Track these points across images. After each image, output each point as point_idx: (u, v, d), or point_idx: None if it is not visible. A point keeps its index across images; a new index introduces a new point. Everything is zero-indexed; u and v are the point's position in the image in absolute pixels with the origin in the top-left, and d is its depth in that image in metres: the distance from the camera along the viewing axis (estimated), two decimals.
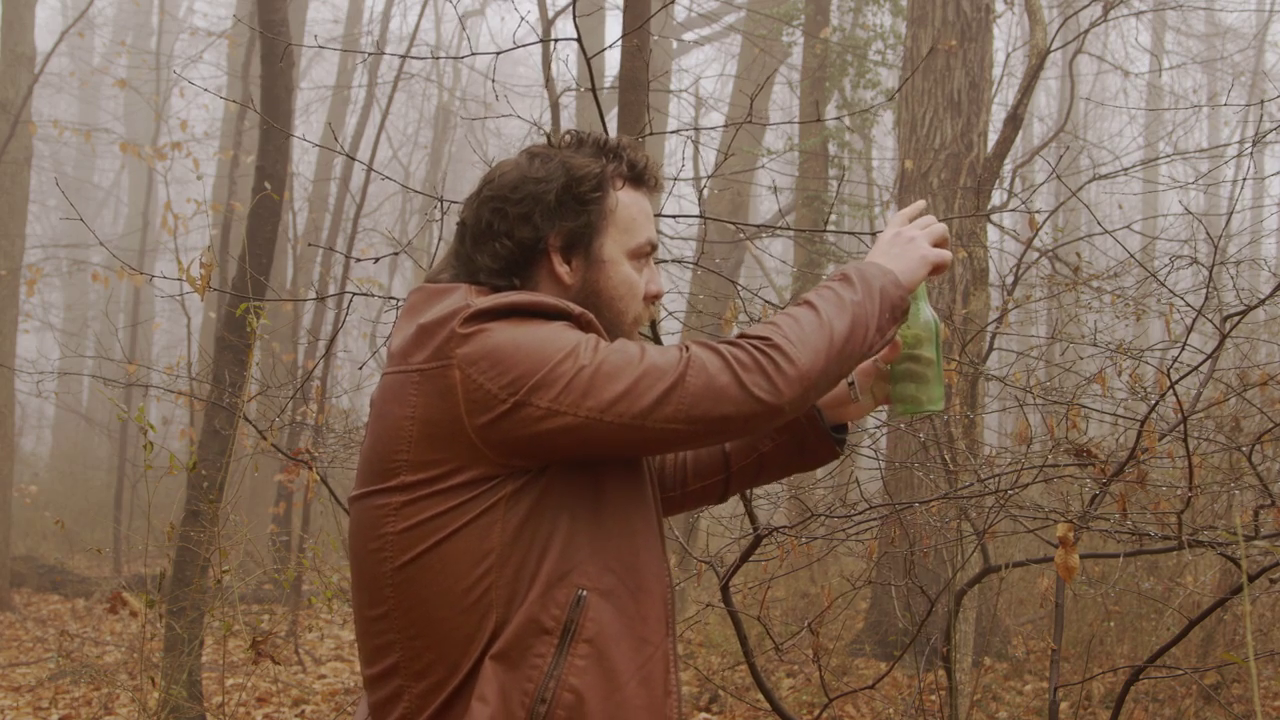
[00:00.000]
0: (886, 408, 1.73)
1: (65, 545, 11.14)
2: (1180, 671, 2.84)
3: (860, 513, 2.88)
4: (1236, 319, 2.46)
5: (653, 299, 1.54)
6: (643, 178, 1.54)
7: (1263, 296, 2.73)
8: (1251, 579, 2.42)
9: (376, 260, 3.12)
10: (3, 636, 7.68)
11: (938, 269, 1.52)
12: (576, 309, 1.40)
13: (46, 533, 11.32)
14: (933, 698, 4.18)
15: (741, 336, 1.38)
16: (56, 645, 6.89)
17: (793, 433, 1.66)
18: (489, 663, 1.30)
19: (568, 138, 1.54)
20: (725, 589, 2.69)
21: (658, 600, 1.41)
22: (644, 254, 1.52)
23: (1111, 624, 5.41)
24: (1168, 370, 2.31)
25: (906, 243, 1.52)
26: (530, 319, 1.36)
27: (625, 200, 1.52)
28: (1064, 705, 5.06)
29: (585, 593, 1.32)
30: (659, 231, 1.71)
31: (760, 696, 5.69)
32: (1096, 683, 5.03)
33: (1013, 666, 6.13)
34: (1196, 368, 2.66)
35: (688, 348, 1.37)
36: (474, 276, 1.47)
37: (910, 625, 5.53)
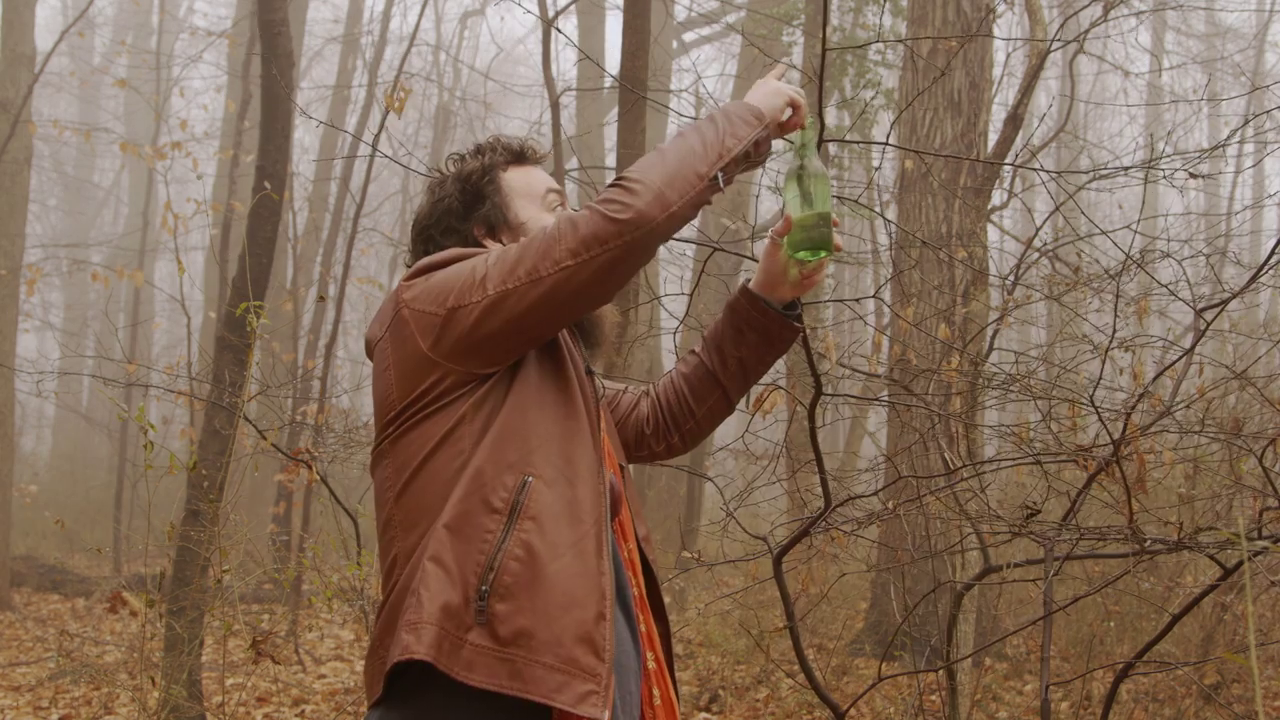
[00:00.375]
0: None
1: (65, 545, 11.14)
2: (1173, 665, 2.84)
3: (883, 488, 2.88)
4: (1215, 311, 2.46)
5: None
6: (523, 155, 1.88)
7: (1235, 290, 2.72)
8: (1228, 572, 2.42)
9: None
10: (3, 636, 7.68)
11: (793, 104, 1.76)
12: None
13: (46, 532, 11.32)
14: (933, 698, 4.18)
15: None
16: (56, 645, 6.89)
17: (755, 329, 1.88)
18: (441, 529, 1.56)
19: (451, 161, 1.90)
20: (778, 563, 2.71)
21: (590, 489, 1.63)
22: (553, 201, 1.85)
23: (1111, 624, 5.41)
24: (1163, 364, 2.31)
25: (764, 85, 1.79)
26: (448, 265, 1.70)
27: (514, 174, 1.85)
28: (1064, 705, 5.06)
29: (531, 479, 1.58)
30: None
31: (759, 696, 5.69)
32: (1097, 683, 5.03)
33: (1013, 666, 6.13)
34: (1175, 363, 2.66)
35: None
36: None
37: (911, 625, 5.53)
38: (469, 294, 1.60)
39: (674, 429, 1.96)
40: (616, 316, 1.89)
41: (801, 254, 1.73)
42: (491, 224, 1.82)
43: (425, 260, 1.72)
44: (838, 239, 1.72)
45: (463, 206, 1.82)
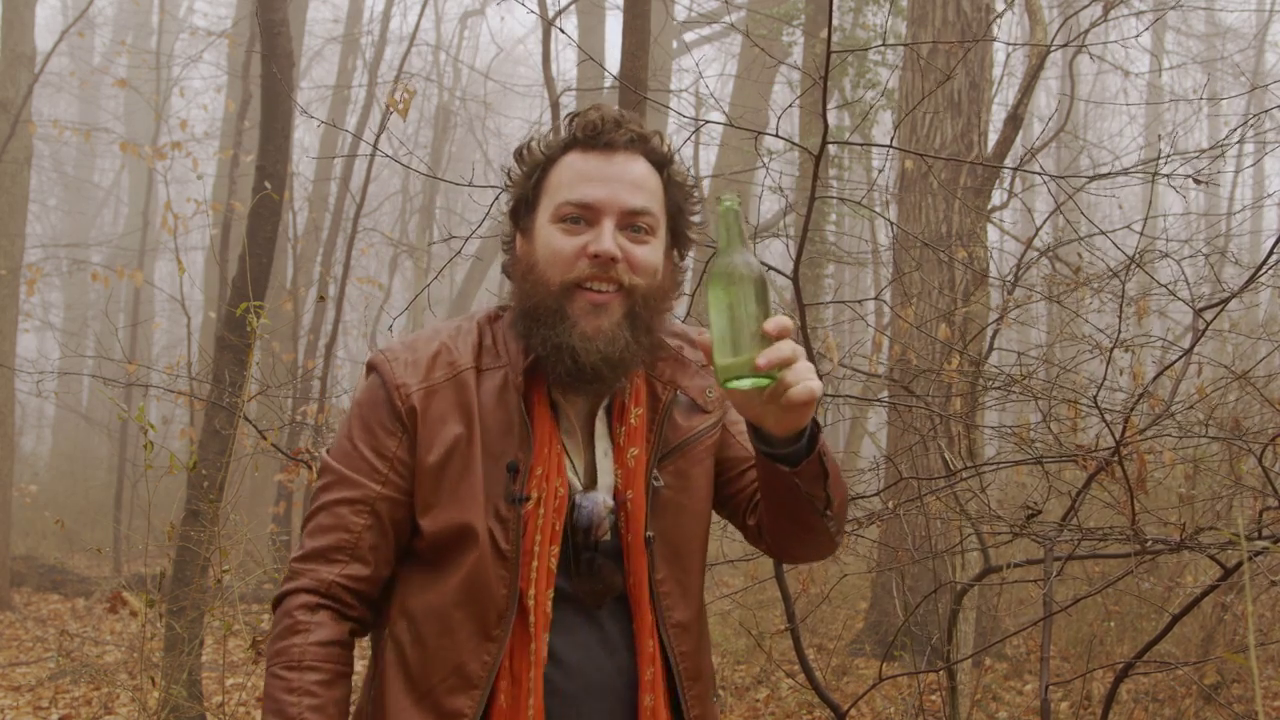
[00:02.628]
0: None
1: (65, 545, 11.13)
2: (1173, 665, 2.84)
3: (893, 484, 2.87)
4: (1215, 311, 2.46)
5: (591, 257, 1.45)
6: (589, 139, 1.51)
7: (1234, 290, 2.72)
8: (1228, 572, 2.42)
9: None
10: (3, 636, 7.68)
11: None
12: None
13: (46, 532, 11.31)
14: (933, 698, 4.17)
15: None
16: (56, 645, 6.89)
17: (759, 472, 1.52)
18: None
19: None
20: (779, 563, 2.68)
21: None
22: (565, 215, 1.48)
23: (1111, 624, 5.41)
24: (1163, 364, 2.31)
25: None
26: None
27: (562, 166, 1.52)
28: (1064, 705, 5.06)
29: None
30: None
31: (759, 696, 5.69)
32: (1097, 683, 5.03)
33: (1013, 666, 6.13)
34: (1174, 363, 2.66)
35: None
36: None
37: (911, 625, 5.53)
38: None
39: (756, 538, 1.65)
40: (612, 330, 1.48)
41: (730, 384, 1.34)
42: (517, 220, 1.57)
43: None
44: (766, 356, 1.30)
45: (513, 188, 1.57)
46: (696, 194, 1.61)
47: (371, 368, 1.57)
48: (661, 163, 1.53)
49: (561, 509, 1.49)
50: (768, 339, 1.32)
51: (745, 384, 1.33)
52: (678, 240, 1.59)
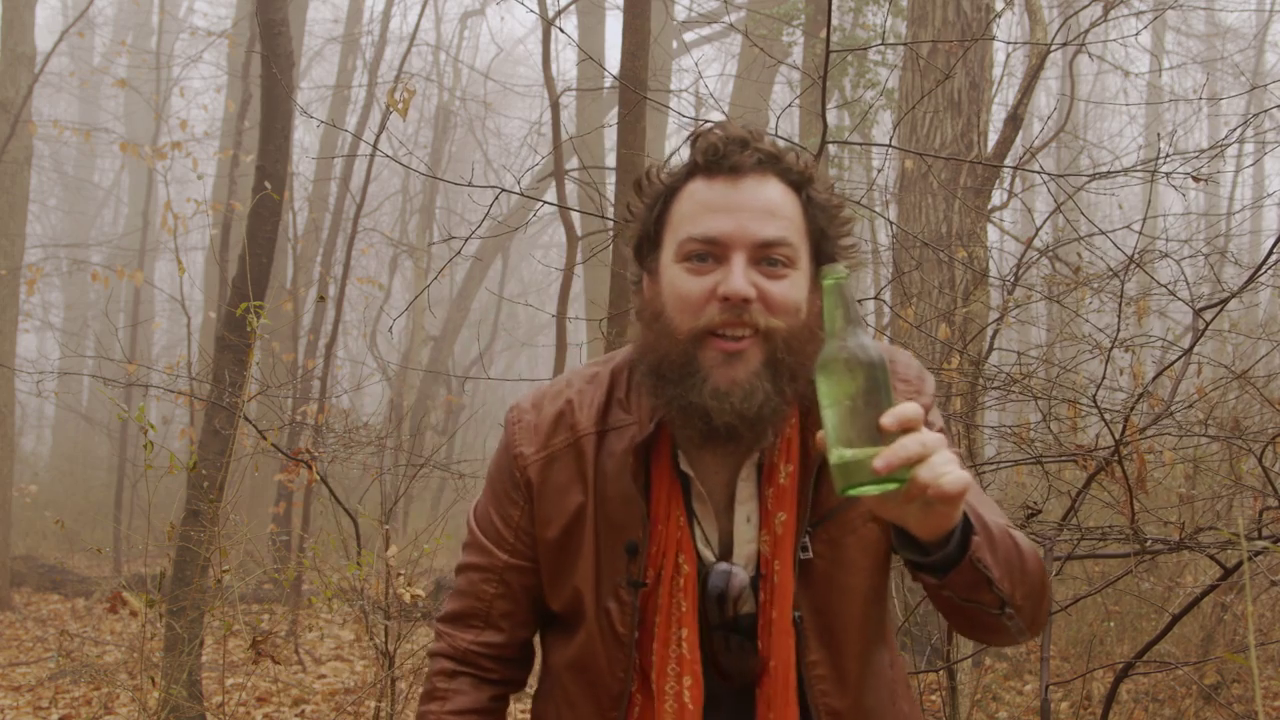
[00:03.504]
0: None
1: (65, 545, 11.13)
2: (1173, 665, 2.84)
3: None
4: (1215, 311, 2.46)
5: (721, 300, 1.30)
6: (711, 164, 1.34)
7: (1234, 290, 2.72)
8: (1228, 572, 2.42)
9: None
10: (3, 636, 7.68)
11: None
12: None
13: (46, 532, 11.32)
14: (933, 698, 4.17)
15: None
16: (56, 645, 6.89)
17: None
18: None
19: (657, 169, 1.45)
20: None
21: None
22: (689, 253, 1.32)
23: (1111, 624, 5.41)
24: (1163, 364, 2.31)
25: None
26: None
27: (685, 196, 1.36)
28: (1064, 705, 5.06)
29: None
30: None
31: None
32: (1097, 683, 5.03)
33: (1013, 666, 6.13)
34: (1174, 363, 2.66)
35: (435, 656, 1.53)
36: None
37: (911, 625, 5.53)
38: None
39: None
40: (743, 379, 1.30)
41: (851, 491, 1.14)
42: (641, 260, 1.42)
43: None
44: (885, 458, 1.10)
45: (636, 222, 1.42)
46: (844, 213, 1.42)
47: (505, 424, 1.51)
48: (799, 183, 1.36)
49: (690, 588, 1.36)
50: (888, 435, 1.11)
51: (868, 490, 1.13)
52: (819, 264, 1.40)
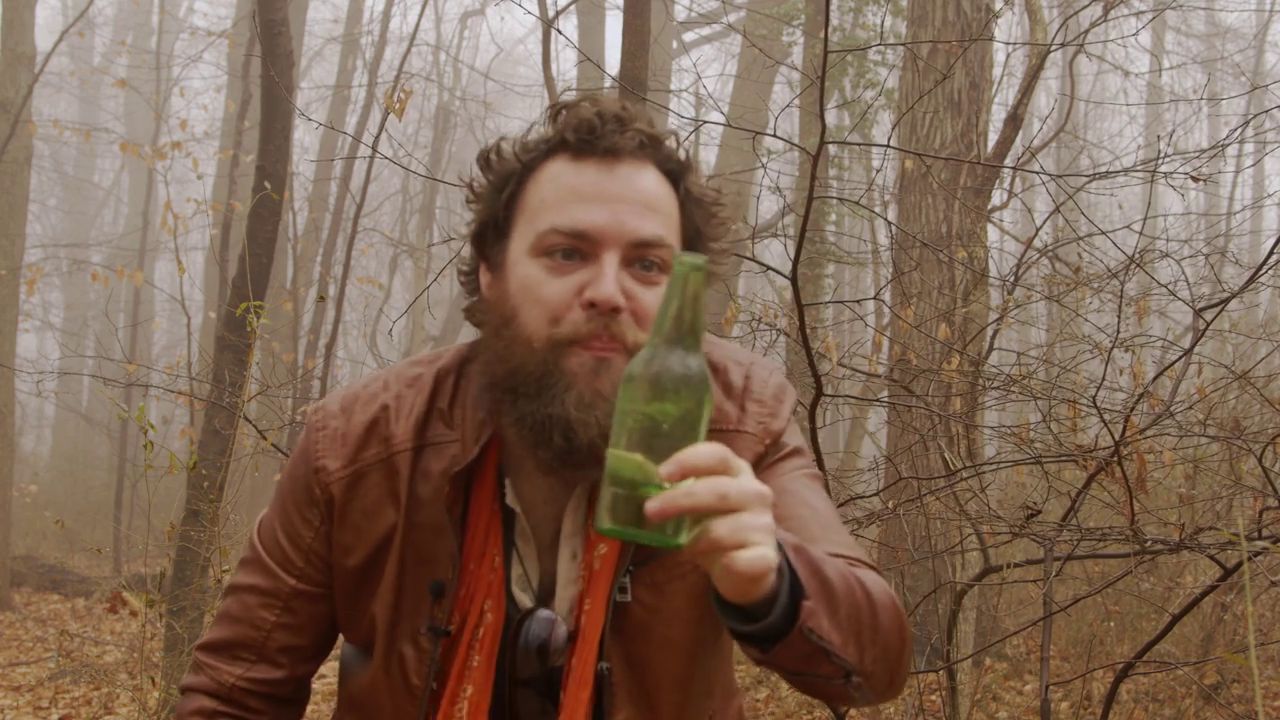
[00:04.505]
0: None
1: (65, 545, 11.13)
2: (1173, 665, 2.84)
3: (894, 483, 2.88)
4: (1215, 311, 2.46)
5: (587, 307, 1.09)
6: (584, 143, 1.12)
7: (1235, 290, 2.73)
8: (1228, 572, 2.42)
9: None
10: (3, 636, 7.68)
11: None
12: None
13: (46, 532, 11.31)
14: (933, 698, 4.18)
15: None
16: (56, 645, 6.88)
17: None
18: None
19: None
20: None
21: None
22: (550, 247, 1.11)
23: (1111, 624, 5.41)
24: (1164, 364, 2.31)
25: None
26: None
27: (545, 177, 1.14)
28: (1064, 705, 5.06)
29: None
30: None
31: (759, 696, 5.69)
32: (1097, 683, 5.03)
33: (1013, 666, 6.13)
34: (1174, 363, 2.66)
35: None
36: None
37: (911, 625, 5.53)
38: None
39: None
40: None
41: (611, 530, 0.89)
42: (484, 245, 1.20)
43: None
44: (661, 501, 0.85)
45: (479, 202, 1.21)
46: (723, 210, 1.21)
47: (305, 427, 1.28)
48: (677, 172, 1.17)
49: (489, 641, 1.17)
50: (672, 478, 0.86)
51: (634, 536, 0.87)
52: None
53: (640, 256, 1.11)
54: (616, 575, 1.17)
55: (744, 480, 0.87)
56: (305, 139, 18.19)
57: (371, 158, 8.71)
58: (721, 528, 0.86)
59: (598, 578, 1.18)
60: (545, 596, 1.21)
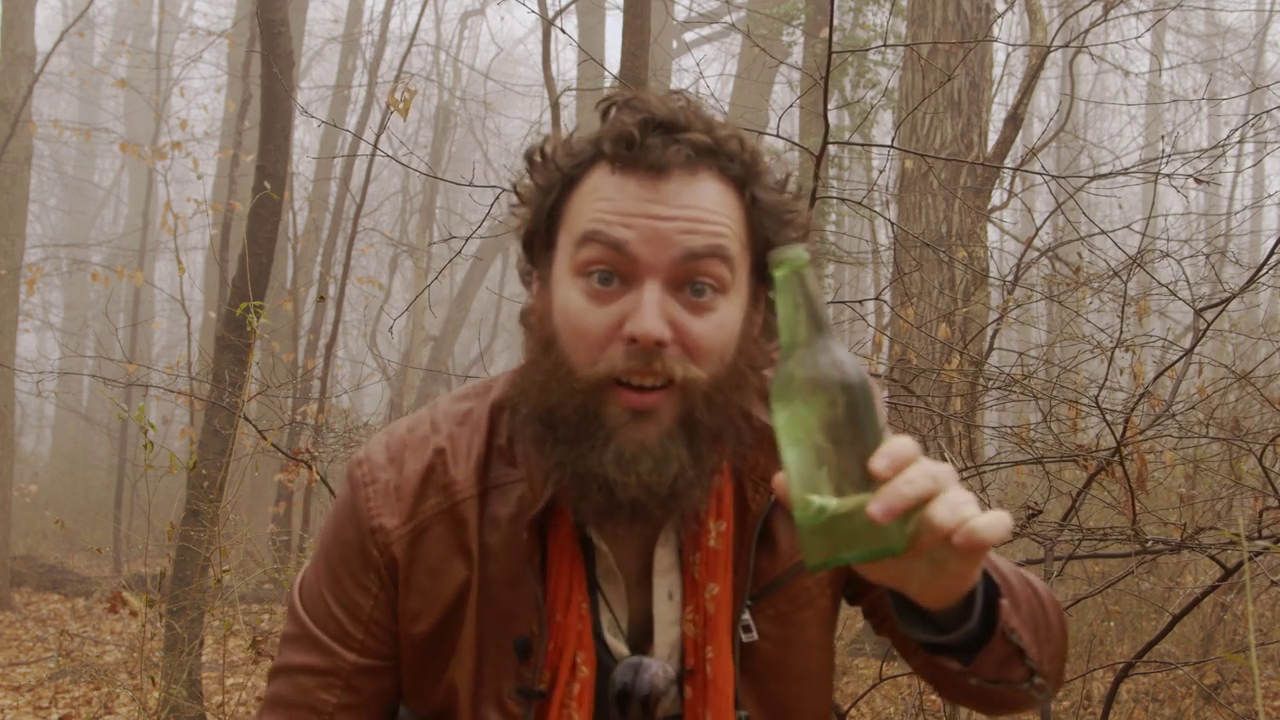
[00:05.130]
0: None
1: (65, 545, 11.13)
2: (1173, 665, 2.84)
3: None
4: (1215, 311, 2.46)
5: (628, 341, 0.97)
6: (620, 158, 1.00)
7: (1235, 290, 2.73)
8: (1228, 572, 2.42)
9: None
10: (3, 636, 7.68)
11: None
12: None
13: (46, 532, 11.31)
14: (933, 698, 4.17)
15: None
16: (56, 645, 6.88)
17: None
18: None
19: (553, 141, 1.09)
20: None
21: None
22: (589, 264, 0.99)
23: (1111, 624, 5.41)
24: (1165, 364, 2.31)
25: None
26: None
27: (588, 186, 1.02)
28: (1064, 705, 5.06)
29: None
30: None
31: None
32: (1097, 683, 5.03)
33: None
34: (1175, 363, 2.66)
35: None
36: None
37: None
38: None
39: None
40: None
41: (831, 559, 0.83)
42: (533, 262, 1.11)
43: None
44: (883, 501, 0.81)
45: (527, 215, 1.09)
46: (798, 215, 1.07)
47: (348, 483, 1.14)
48: (742, 179, 1.03)
49: (585, 697, 1.06)
50: (876, 482, 0.81)
51: (856, 556, 0.82)
52: (767, 284, 1.05)
53: (690, 278, 0.99)
54: (737, 614, 1.07)
55: (934, 463, 0.83)
56: (305, 139, 18.19)
57: (372, 157, 8.71)
58: (942, 511, 0.81)
59: (714, 621, 1.06)
60: (640, 640, 1.09)
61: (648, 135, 1.00)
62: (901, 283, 5.14)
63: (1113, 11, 5.07)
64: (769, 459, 1.04)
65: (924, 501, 0.82)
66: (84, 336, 16.22)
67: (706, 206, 1.00)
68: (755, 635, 1.08)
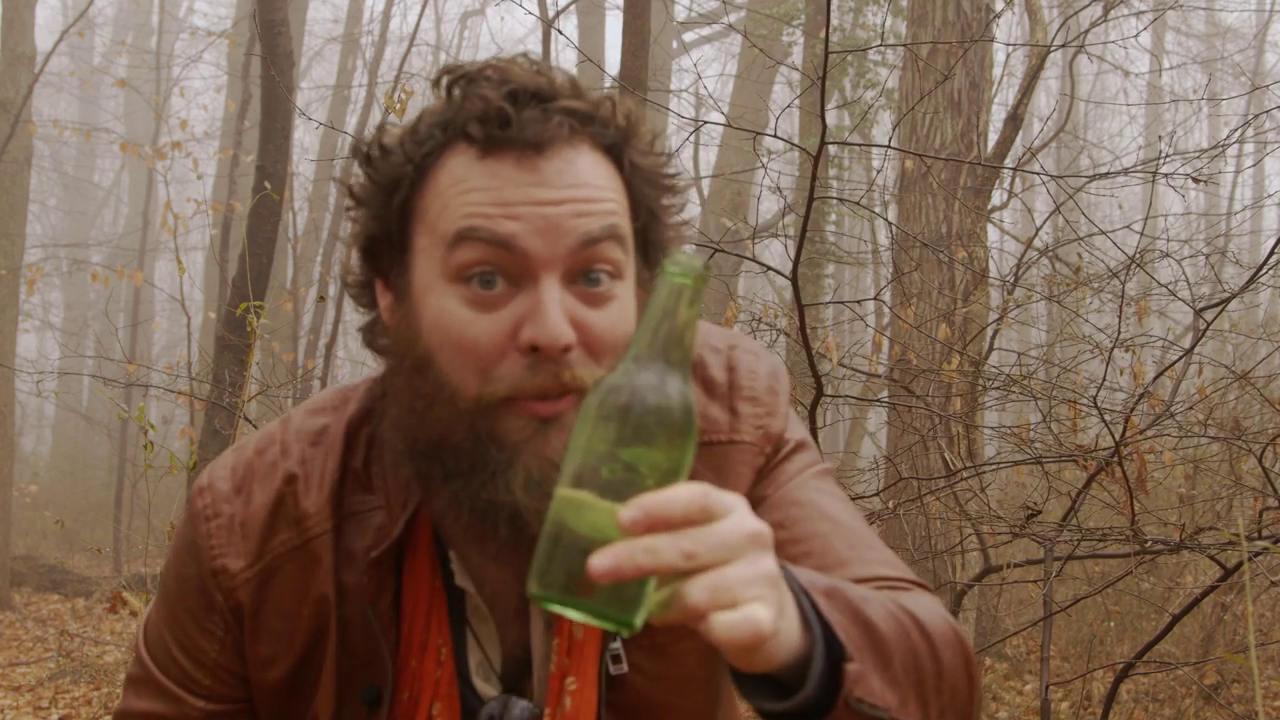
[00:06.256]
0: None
1: (65, 545, 11.13)
2: (1173, 665, 2.84)
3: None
4: (1215, 311, 2.46)
5: (528, 351, 0.84)
6: (491, 140, 0.85)
7: (1235, 290, 2.73)
8: (1228, 572, 2.42)
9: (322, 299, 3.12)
10: (3, 636, 7.68)
11: None
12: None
13: (46, 532, 11.31)
14: None
15: None
16: (56, 645, 6.88)
17: None
18: None
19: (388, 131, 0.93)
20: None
21: None
22: (468, 268, 0.85)
23: (1111, 624, 5.41)
24: (1165, 364, 2.31)
25: None
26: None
27: (446, 180, 0.87)
28: (1064, 705, 5.06)
29: None
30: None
31: None
32: (1097, 683, 5.03)
33: (1013, 666, 6.13)
34: (1175, 363, 2.66)
35: None
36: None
37: None
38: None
39: None
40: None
41: (543, 599, 0.69)
42: (384, 266, 0.93)
43: None
44: (602, 559, 0.65)
45: (365, 212, 0.93)
46: (674, 178, 0.95)
47: (188, 515, 1.01)
48: (619, 145, 0.90)
49: None
50: (629, 528, 0.65)
51: (568, 610, 0.68)
52: (649, 259, 0.94)
53: (585, 268, 0.86)
54: (606, 642, 0.95)
55: (729, 524, 0.67)
56: (305, 139, 18.20)
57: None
58: (695, 590, 0.65)
59: (581, 650, 0.94)
60: (516, 680, 0.98)
61: (521, 109, 0.85)
62: (901, 283, 5.14)
63: (1113, 11, 5.07)
64: None
65: (665, 574, 0.66)
66: (84, 336, 16.22)
67: (594, 183, 0.87)
68: (625, 667, 0.95)
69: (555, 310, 0.83)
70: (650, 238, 0.93)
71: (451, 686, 0.95)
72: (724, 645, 0.66)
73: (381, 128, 0.92)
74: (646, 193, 0.92)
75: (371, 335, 0.96)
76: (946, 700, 0.83)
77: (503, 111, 0.84)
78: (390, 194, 0.89)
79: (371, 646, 0.95)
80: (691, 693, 0.99)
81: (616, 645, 0.95)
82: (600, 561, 0.64)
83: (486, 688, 0.97)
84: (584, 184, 0.86)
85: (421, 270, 0.88)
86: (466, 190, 0.85)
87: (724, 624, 0.65)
